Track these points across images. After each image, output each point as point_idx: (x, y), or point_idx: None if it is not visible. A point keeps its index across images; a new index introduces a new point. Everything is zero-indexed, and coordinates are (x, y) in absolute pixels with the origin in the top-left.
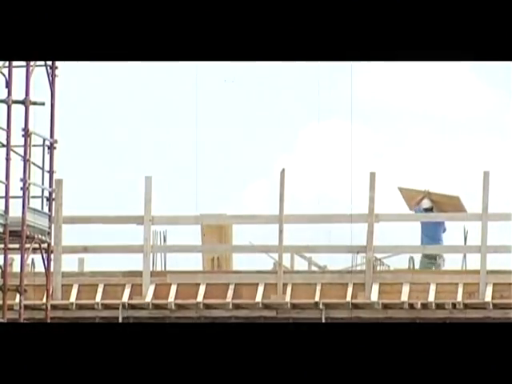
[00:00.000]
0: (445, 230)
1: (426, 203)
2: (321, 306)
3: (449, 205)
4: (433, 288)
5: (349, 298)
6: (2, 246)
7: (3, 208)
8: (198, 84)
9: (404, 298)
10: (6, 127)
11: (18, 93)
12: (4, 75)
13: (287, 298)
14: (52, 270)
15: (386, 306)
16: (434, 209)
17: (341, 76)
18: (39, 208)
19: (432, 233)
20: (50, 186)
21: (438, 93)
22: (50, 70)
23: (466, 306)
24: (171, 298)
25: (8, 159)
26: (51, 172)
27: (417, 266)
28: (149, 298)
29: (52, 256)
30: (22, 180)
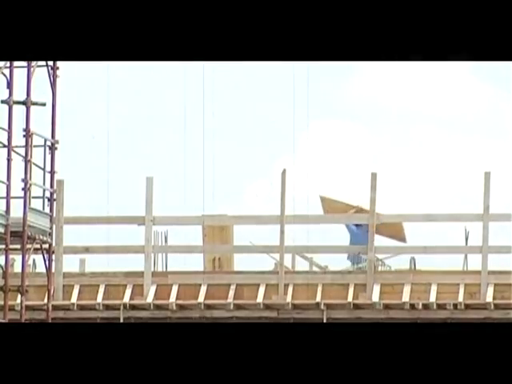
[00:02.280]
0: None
1: None
2: (322, 307)
3: (390, 228)
4: (434, 288)
5: (350, 299)
6: (3, 246)
7: (4, 208)
8: (199, 84)
9: (405, 298)
10: (7, 128)
11: (19, 93)
12: (5, 76)
13: (288, 299)
14: (53, 270)
15: (387, 307)
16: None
17: (342, 76)
18: (40, 208)
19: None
20: (51, 186)
21: (438, 93)
22: (51, 71)
23: (467, 306)
24: (172, 299)
25: (9, 160)
26: (52, 172)
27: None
28: (150, 298)
29: (53, 256)
30: (23, 180)
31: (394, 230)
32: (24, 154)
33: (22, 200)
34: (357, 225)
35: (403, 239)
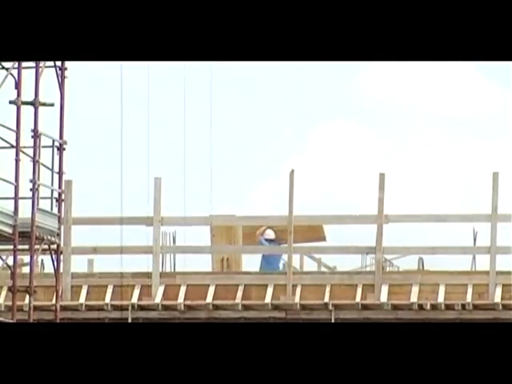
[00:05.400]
0: (283, 263)
1: (269, 234)
2: (330, 307)
3: (307, 232)
4: (442, 289)
5: (358, 299)
6: (12, 246)
7: (12, 209)
8: (205, 83)
9: (413, 298)
10: (15, 128)
11: (27, 94)
12: (13, 76)
13: (296, 299)
14: (61, 270)
15: (395, 307)
16: (276, 239)
17: (349, 77)
18: (48, 209)
19: (271, 260)
20: (60, 186)
21: (445, 93)
22: (59, 71)
23: (475, 306)
24: (180, 299)
25: (17, 160)
26: (60, 173)
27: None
28: (158, 298)
29: (61, 257)
30: (31, 181)
31: (313, 233)
32: (32, 155)
33: (30, 200)
34: (270, 241)
35: (323, 238)
